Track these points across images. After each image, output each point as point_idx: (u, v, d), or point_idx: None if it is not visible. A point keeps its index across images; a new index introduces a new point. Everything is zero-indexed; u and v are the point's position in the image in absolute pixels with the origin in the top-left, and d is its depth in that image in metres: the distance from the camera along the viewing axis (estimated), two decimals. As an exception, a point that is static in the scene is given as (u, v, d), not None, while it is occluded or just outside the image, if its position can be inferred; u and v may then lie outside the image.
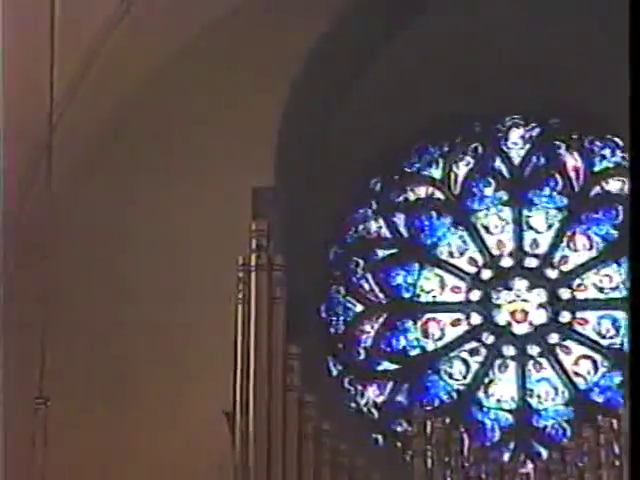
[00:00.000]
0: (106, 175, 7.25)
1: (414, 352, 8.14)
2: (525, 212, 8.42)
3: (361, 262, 8.34)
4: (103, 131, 7.20)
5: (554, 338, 8.16)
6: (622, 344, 7.91)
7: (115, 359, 6.90)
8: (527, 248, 8.38)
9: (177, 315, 6.99)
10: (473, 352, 8.15)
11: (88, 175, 7.22)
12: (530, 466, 6.59)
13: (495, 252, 8.37)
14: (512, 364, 8.12)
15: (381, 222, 8.42)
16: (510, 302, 8.23)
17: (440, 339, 8.17)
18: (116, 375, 6.87)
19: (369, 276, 8.29)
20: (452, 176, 8.50)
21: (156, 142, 7.24)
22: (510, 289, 8.28)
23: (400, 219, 8.41)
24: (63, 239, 6.69)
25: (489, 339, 8.18)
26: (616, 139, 8.30)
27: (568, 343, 8.14)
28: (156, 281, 7.04)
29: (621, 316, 7.96)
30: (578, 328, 8.14)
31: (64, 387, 6.21)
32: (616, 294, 8.05)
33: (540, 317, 8.20)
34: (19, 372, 5.82)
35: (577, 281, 8.22)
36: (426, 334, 8.16)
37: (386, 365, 8.11)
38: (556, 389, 8.06)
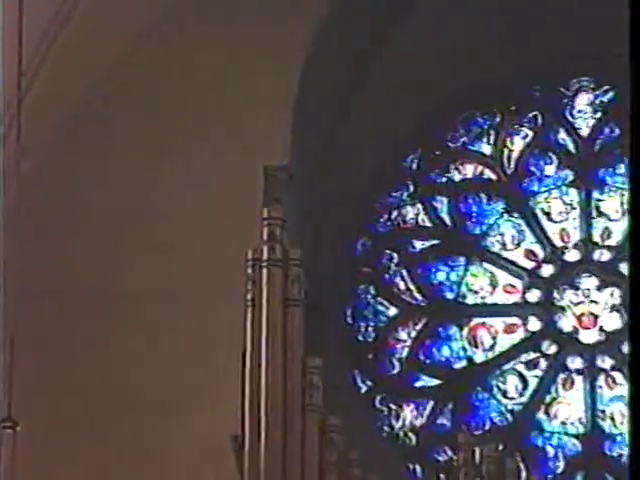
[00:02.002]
0: (85, 154, 7.28)
1: (459, 364, 8.17)
2: (595, 195, 8.39)
3: (395, 256, 8.39)
4: (81, 104, 7.24)
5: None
6: None
7: (101, 372, 6.93)
8: (597, 238, 8.33)
9: (173, 320, 7.02)
10: (531, 364, 8.16)
11: (65, 159, 7.25)
12: (601, 502, 6.60)
13: (558, 243, 8.37)
14: (579, 379, 8.10)
15: (419, 207, 8.46)
16: (576, 304, 8.21)
17: (491, 349, 8.20)
18: (102, 393, 6.90)
19: (405, 273, 8.35)
20: (505, 152, 8.49)
21: (145, 113, 7.24)
22: (576, 288, 8.24)
23: (442, 204, 8.44)
24: (37, 231, 6.73)
25: (551, 349, 8.19)
26: None
27: (647, 353, 8.13)
28: (148, 280, 7.08)
29: None
30: (660, 335, 8.11)
31: (42, 408, 6.25)
32: None
33: (613, 322, 8.16)
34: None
35: (658, 278, 8.20)
36: (474, 343, 8.18)
37: (426, 380, 8.17)
38: (633, 409, 8.05)
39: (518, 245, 8.35)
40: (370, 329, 8.27)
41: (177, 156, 7.18)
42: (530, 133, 8.53)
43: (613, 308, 8.18)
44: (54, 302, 6.95)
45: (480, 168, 8.50)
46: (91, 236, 7.12)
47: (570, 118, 8.54)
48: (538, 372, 8.13)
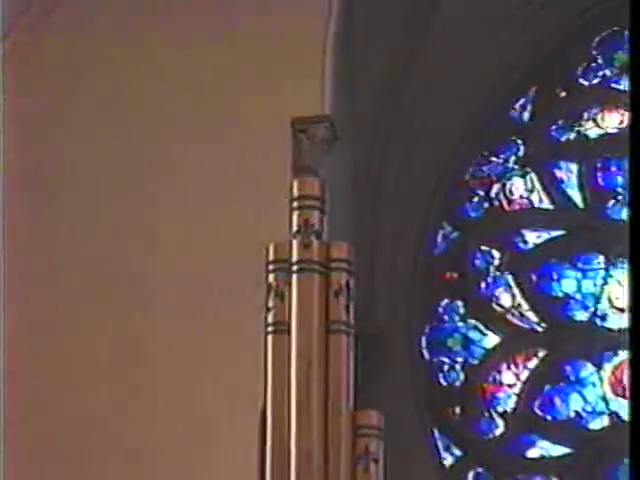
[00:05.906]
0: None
1: (597, 423, 8.14)
2: None
3: (496, 254, 8.33)
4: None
5: None
6: None
7: (76, 428, 7.06)
8: None
9: (159, 351, 7.07)
10: None
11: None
12: None
13: None
14: None
15: (533, 179, 8.41)
16: None
17: (646, 398, 8.14)
18: (76, 458, 7.01)
19: (511, 280, 8.25)
20: (670, 92, 8.47)
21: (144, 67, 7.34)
22: None
23: (570, 173, 8.36)
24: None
25: None
26: None
27: None
28: (131, 288, 7.20)
29: None
30: None
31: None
32: None
33: None
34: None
35: None
36: (620, 390, 8.11)
37: (545, 447, 8.14)
38: None
39: (688, 237, 8.32)
40: (457, 367, 8.26)
41: (173, 106, 7.29)
42: None
43: None
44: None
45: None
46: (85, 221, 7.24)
47: None
48: None
